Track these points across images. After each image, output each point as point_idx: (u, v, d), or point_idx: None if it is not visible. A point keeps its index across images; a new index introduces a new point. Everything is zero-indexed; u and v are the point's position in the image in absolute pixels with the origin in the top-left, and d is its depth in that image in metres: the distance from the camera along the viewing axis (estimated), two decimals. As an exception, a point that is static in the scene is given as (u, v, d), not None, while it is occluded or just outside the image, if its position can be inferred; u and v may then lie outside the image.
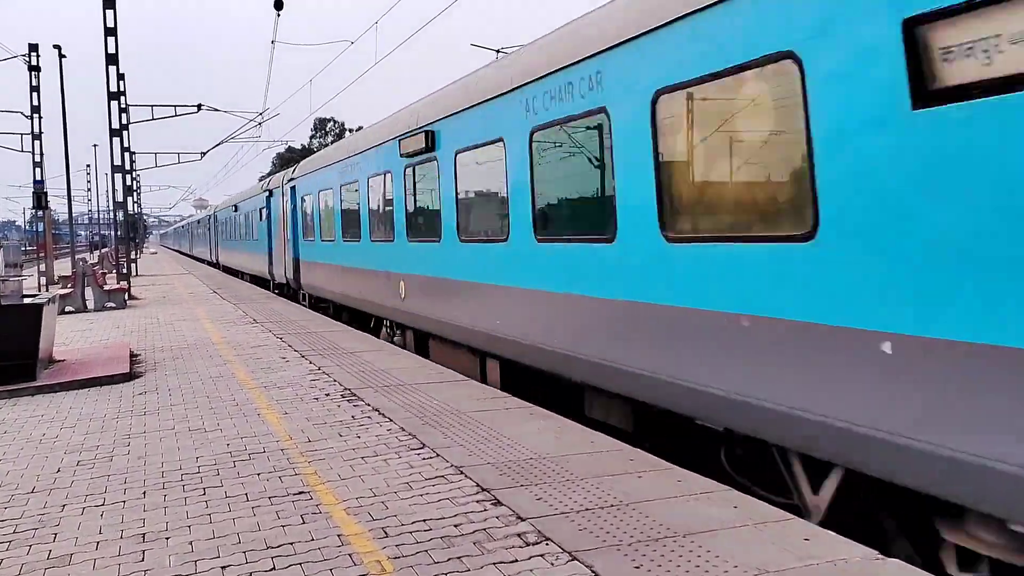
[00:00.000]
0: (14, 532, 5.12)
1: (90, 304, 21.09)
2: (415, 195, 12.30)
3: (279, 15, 19.96)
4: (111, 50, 23.16)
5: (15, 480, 6.26)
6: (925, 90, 4.24)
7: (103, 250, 60.56)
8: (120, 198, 26.49)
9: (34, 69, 29.08)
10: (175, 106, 31.23)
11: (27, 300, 11.19)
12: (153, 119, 30.72)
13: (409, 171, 12.41)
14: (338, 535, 4.82)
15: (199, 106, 31.17)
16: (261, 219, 27.97)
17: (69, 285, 21.97)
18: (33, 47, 29.35)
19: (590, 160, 7.52)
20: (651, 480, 5.60)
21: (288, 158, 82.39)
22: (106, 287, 21.89)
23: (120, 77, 24.53)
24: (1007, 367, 3.88)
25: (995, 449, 3.95)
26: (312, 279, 20.21)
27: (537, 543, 4.57)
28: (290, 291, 24.08)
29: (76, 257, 30.12)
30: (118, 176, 25.73)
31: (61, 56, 29.65)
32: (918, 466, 4.33)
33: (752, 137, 5.65)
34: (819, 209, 4.91)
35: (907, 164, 4.33)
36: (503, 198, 9.14)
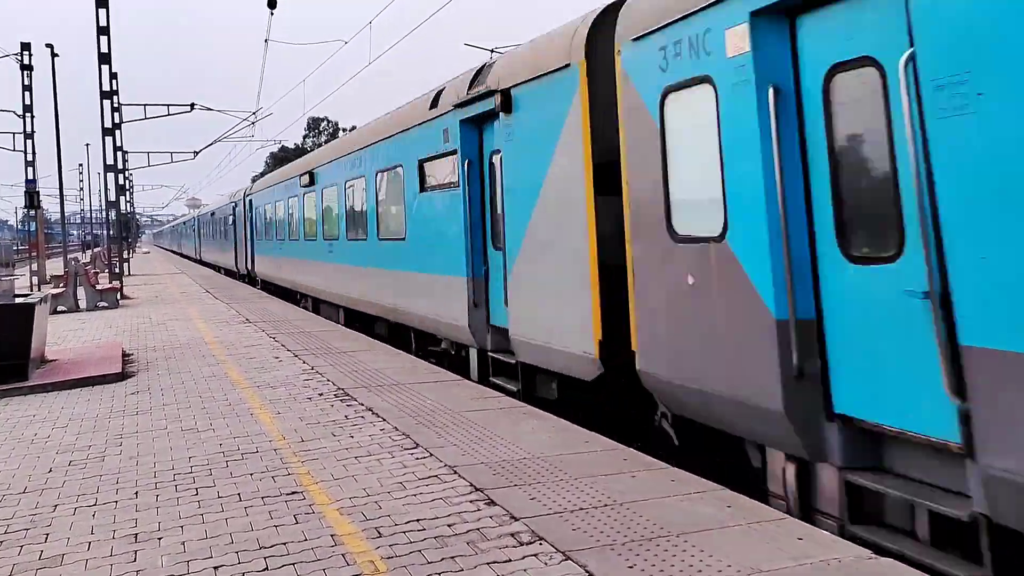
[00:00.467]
0: (5, 532, 5.09)
1: (82, 304, 21.00)
2: (304, 212, 20.39)
3: (272, 14, 19.94)
4: (103, 49, 23.09)
5: (7, 480, 6.23)
6: None
7: (95, 249, 60.31)
8: (112, 197, 26.39)
9: (26, 68, 28.97)
10: (168, 105, 31.10)
11: (19, 300, 11.15)
12: (146, 118, 30.60)
13: (303, 196, 20.32)
14: (331, 535, 4.81)
15: (192, 105, 31.07)
16: (229, 224, 36.01)
17: (61, 284, 21.89)
18: (25, 46, 29.25)
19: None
20: (645, 480, 5.60)
21: (281, 157, 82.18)
22: (98, 286, 21.79)
23: (113, 76, 24.45)
24: None
25: None
26: (262, 269, 27.92)
27: (531, 543, 4.56)
28: (250, 279, 31.17)
29: (68, 256, 30.07)
30: (111, 175, 25.63)
31: (54, 55, 29.56)
32: None
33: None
34: None
35: None
36: (339, 214, 16.74)
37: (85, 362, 11.31)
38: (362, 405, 8.38)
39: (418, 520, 4.99)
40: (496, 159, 9.51)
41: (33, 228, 34.18)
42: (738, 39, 5.42)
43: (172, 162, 42.86)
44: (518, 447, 6.55)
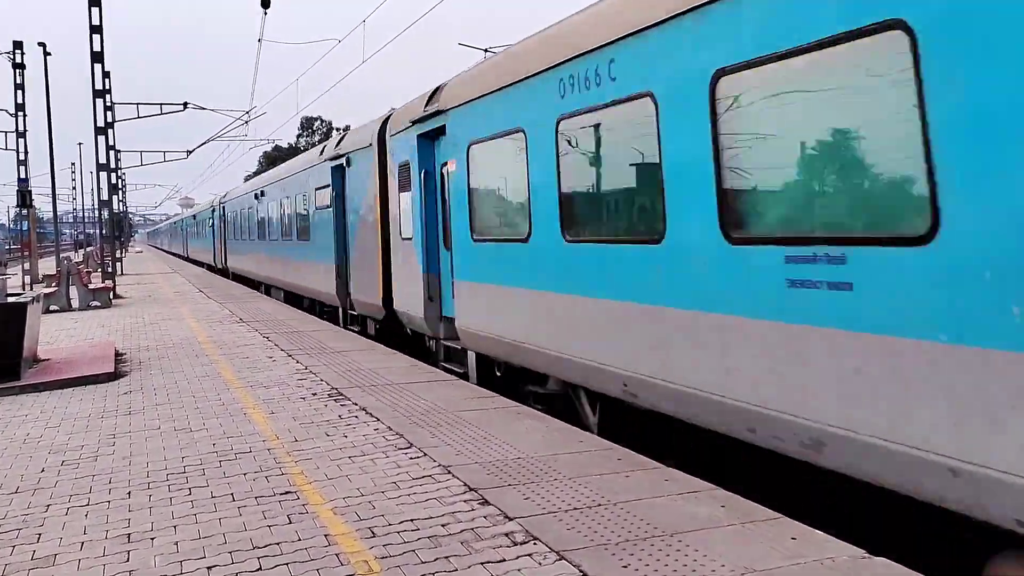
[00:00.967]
0: (-3, 533, 5.07)
1: (75, 303, 20.94)
2: (258, 217, 26.17)
3: (266, 13, 19.90)
4: (96, 48, 23.01)
5: (-2, 480, 6.20)
6: None
7: (88, 249, 60.08)
8: (105, 196, 26.30)
9: (18, 67, 28.85)
10: (161, 104, 31.05)
11: (11, 299, 11.11)
12: (139, 117, 30.54)
13: (258, 205, 26.19)
14: (325, 535, 4.80)
15: (185, 104, 31.01)
16: (209, 225, 42.68)
17: (54, 284, 21.79)
18: (17, 44, 29.13)
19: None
20: (639, 479, 5.61)
21: (275, 156, 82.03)
22: (91, 286, 21.71)
23: (105, 75, 24.37)
24: None
25: None
26: (233, 263, 34.17)
27: (525, 542, 4.56)
28: (226, 272, 36.16)
29: (61, 256, 29.91)
30: (103, 174, 25.56)
31: (46, 54, 29.43)
32: None
33: None
34: None
35: None
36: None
37: (78, 362, 11.27)
38: (356, 405, 8.37)
39: (412, 520, 4.99)
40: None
41: (25, 227, 34.06)
42: (411, 144, 11.73)
43: (165, 161, 42.89)
44: (512, 447, 6.55)
